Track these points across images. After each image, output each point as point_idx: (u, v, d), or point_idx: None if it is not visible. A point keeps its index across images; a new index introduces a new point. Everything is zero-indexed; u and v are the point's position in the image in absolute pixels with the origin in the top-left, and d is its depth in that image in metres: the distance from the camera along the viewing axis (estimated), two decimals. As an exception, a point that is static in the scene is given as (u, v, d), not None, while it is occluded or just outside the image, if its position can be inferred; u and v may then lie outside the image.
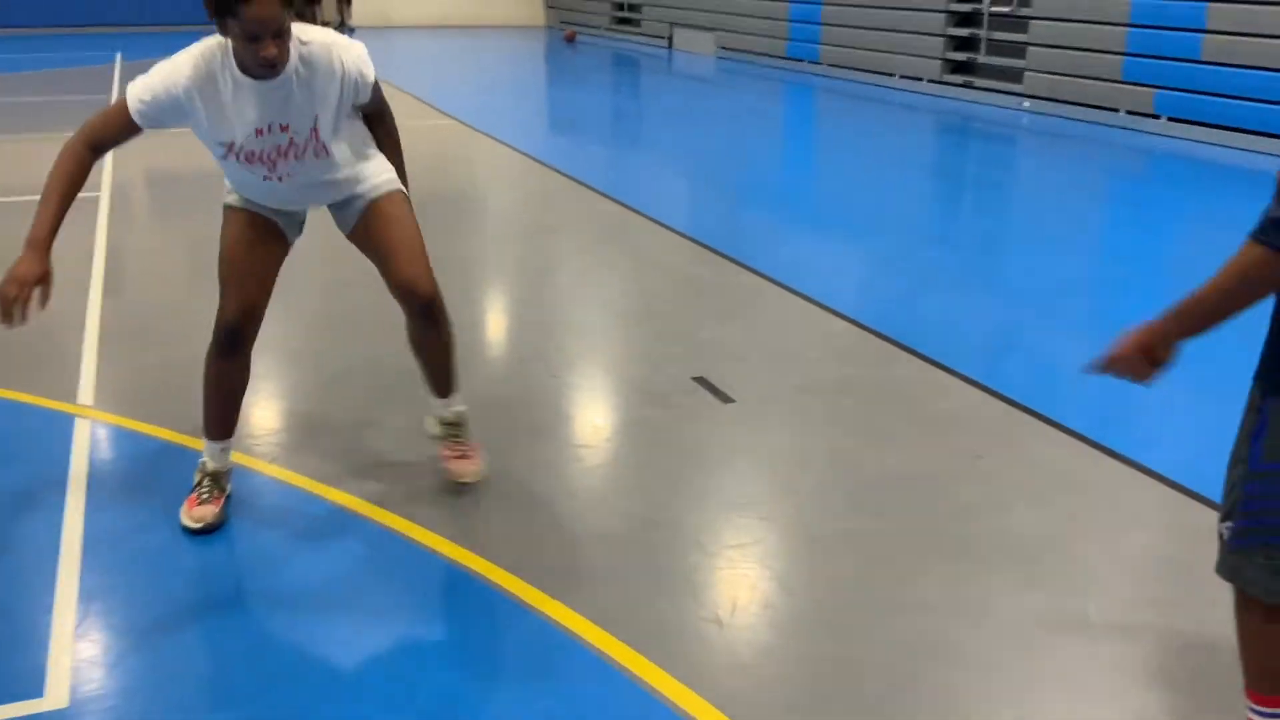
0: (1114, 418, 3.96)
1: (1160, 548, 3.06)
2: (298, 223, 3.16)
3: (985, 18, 12.59)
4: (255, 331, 3.03)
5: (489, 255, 6.33)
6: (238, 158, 2.83)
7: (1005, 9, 12.15)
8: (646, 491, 3.42)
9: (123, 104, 2.75)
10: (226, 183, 3.06)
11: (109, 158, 4.37)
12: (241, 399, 3.17)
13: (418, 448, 3.56)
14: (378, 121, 3.11)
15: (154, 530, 3.10)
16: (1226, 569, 2.05)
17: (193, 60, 2.72)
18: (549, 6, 26.27)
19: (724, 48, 18.20)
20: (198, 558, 3.00)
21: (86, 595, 2.79)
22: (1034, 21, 11.81)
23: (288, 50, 2.69)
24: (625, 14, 22.18)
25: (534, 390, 4.20)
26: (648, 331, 4.94)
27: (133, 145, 2.89)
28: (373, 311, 4.22)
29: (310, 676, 2.50)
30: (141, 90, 2.73)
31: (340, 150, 2.94)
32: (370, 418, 3.92)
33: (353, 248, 3.22)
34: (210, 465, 3.18)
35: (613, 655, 2.56)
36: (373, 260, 3.14)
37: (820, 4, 15.22)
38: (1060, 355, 4.67)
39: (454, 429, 3.37)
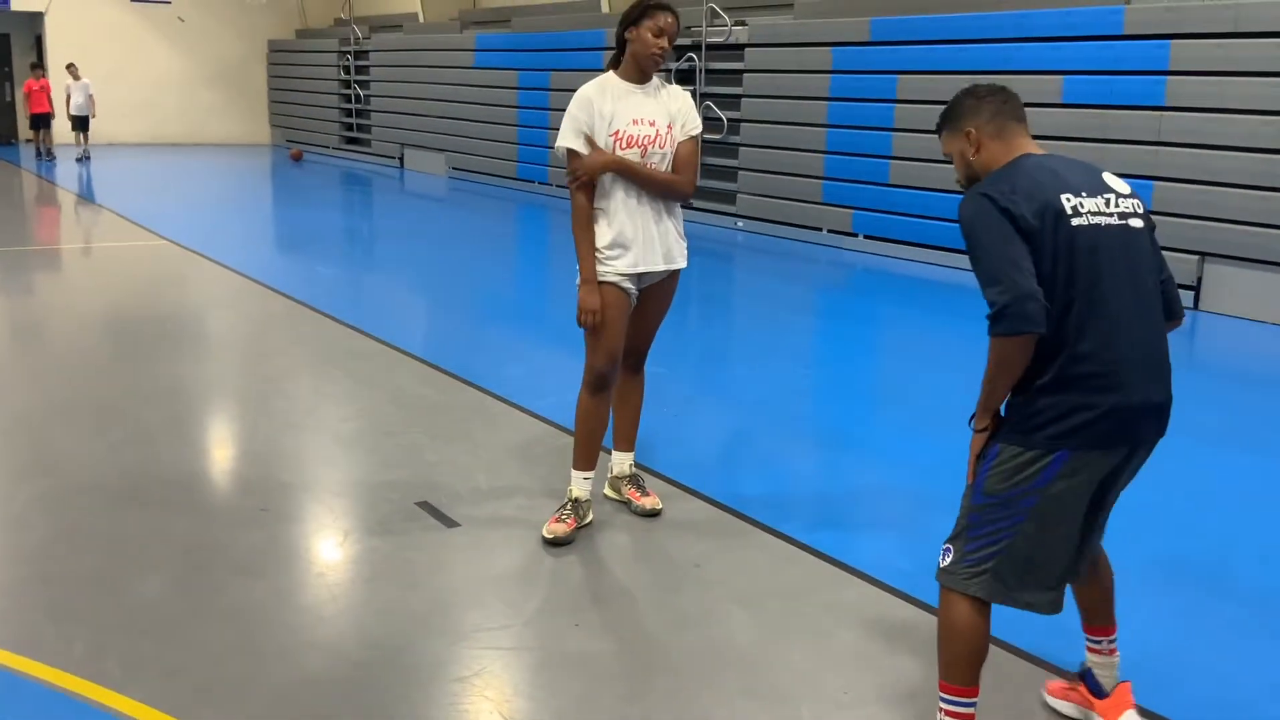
0: (822, 521, 4.16)
1: (863, 645, 3.21)
2: (635, 293, 3.89)
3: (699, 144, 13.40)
4: (616, 377, 3.93)
5: (201, 381, 5.99)
6: (622, 144, 3.75)
7: (717, 136, 12.98)
8: (365, 628, 3.26)
9: (569, 154, 3.78)
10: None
11: None
12: (603, 437, 3.97)
13: (95, 596, 3.25)
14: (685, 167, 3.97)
15: None
16: (952, 578, 2.48)
17: (588, 86, 3.80)
18: (274, 125, 25.81)
19: (455, 168, 18.42)
20: None
21: None
22: (743, 148, 12.68)
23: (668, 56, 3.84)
24: (354, 134, 22.10)
25: (243, 525, 3.96)
26: (370, 456, 4.78)
27: None
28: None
29: None
30: (564, 131, 3.79)
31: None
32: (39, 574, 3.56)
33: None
34: (574, 492, 3.95)
35: (320, 812, 2.39)
36: (631, 318, 3.91)
37: (546, 129, 15.72)
38: (778, 462, 4.90)
39: (637, 477, 4.22)
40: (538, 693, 2.95)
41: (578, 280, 3.81)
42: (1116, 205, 2.44)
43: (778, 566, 3.74)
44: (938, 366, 6.61)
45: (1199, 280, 8.52)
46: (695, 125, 3.88)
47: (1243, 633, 3.37)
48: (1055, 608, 2.52)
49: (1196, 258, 8.47)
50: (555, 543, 3.82)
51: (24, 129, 21.34)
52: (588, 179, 3.75)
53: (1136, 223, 2.47)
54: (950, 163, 2.66)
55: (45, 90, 18.93)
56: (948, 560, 2.51)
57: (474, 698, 2.89)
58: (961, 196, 2.49)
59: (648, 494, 4.18)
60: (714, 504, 4.28)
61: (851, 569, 3.70)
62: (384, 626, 3.26)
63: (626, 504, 4.18)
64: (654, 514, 4.11)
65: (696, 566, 3.71)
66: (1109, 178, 2.51)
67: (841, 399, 6.06)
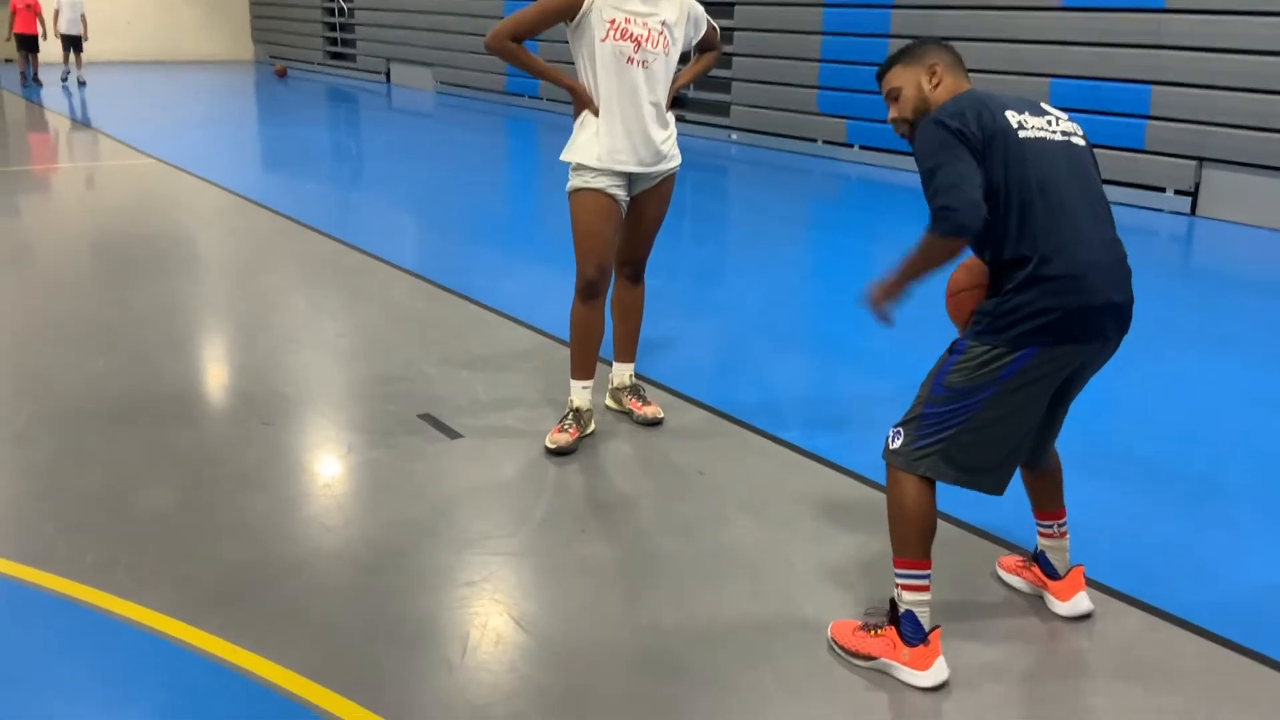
0: (821, 427, 4.19)
1: (866, 547, 3.25)
2: (625, 200, 3.86)
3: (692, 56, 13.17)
4: (607, 284, 3.89)
5: (196, 299, 5.96)
6: (616, 34, 3.68)
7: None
8: (371, 537, 3.30)
9: (538, 7, 3.70)
10: (575, 158, 3.78)
11: None
12: (599, 345, 3.95)
13: (103, 509, 3.27)
14: (710, 47, 4.14)
15: None
16: (899, 458, 2.60)
17: None
18: (257, 41, 25.30)
19: (443, 83, 18.12)
20: None
21: None
22: (737, 58, 12.47)
23: None
24: (339, 49, 21.69)
25: (246, 440, 3.97)
26: (370, 370, 4.78)
27: None
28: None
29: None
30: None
31: (668, 82, 3.84)
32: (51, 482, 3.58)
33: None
34: (575, 402, 3.95)
35: (331, 710, 2.43)
36: (626, 224, 3.91)
37: (536, 41, 15.42)
38: (777, 371, 4.91)
39: (638, 387, 4.24)
40: (546, 595, 2.99)
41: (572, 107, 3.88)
42: (1058, 125, 2.62)
43: (779, 472, 3.78)
44: (932, 277, 6.59)
45: (1197, 186, 8.45)
46: (703, 19, 3.97)
47: (1226, 525, 3.43)
48: (999, 490, 2.65)
49: (1195, 163, 8.40)
50: (558, 452, 3.84)
51: (6, 50, 20.74)
52: None
53: (1079, 141, 2.64)
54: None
55: (34, 9, 17.71)
56: (897, 443, 2.62)
57: (483, 600, 2.93)
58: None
59: (649, 403, 4.20)
60: (715, 412, 4.30)
61: (851, 472, 3.74)
62: (390, 535, 3.29)
63: (628, 414, 4.20)
64: (655, 423, 4.13)
65: (700, 474, 3.74)
66: (1047, 106, 2.69)
67: (837, 310, 6.05)
